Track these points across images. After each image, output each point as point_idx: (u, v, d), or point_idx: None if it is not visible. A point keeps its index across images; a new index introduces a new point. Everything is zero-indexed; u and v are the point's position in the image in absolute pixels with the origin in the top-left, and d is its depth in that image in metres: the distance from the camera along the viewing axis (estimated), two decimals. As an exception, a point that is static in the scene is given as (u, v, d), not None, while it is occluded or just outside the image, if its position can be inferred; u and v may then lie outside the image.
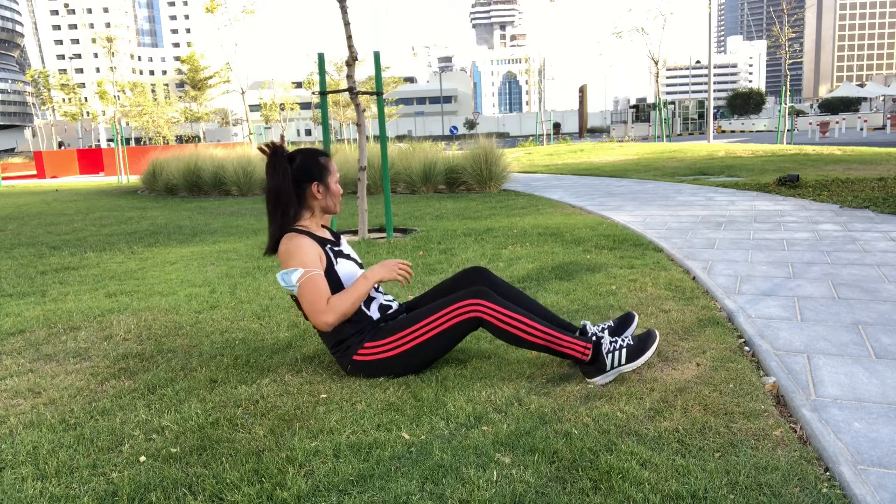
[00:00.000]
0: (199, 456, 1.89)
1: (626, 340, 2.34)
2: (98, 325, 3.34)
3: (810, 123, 32.46)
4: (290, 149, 2.64)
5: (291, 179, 2.49)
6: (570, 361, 2.47)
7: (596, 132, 56.88)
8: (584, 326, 2.61)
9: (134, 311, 3.60)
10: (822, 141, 24.07)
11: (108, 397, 2.36)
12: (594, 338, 2.40)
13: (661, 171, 11.40)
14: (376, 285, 2.59)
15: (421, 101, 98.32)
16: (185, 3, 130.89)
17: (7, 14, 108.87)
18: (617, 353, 2.31)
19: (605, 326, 2.62)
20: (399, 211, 7.77)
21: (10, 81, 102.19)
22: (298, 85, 50.29)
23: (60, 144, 51.41)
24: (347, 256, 2.59)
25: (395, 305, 2.61)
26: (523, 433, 1.94)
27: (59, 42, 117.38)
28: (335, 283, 2.47)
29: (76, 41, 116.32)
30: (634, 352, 2.31)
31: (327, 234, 2.63)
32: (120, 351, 2.90)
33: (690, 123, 40.20)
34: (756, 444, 1.85)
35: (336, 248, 2.56)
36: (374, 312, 2.52)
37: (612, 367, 2.30)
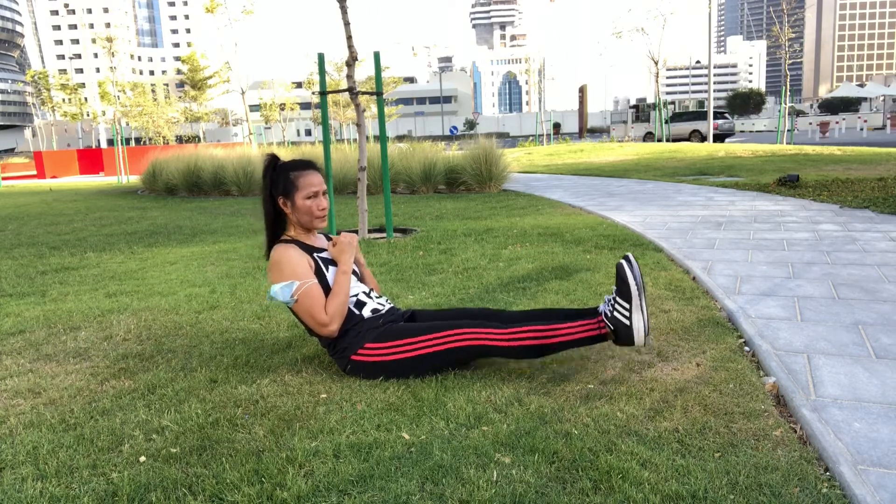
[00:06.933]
0: (199, 456, 1.89)
1: (614, 290, 2.31)
2: (98, 325, 3.34)
3: (810, 123, 32.48)
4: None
5: (268, 192, 2.55)
6: (611, 342, 2.37)
7: (596, 132, 56.88)
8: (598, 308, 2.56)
9: (134, 311, 3.60)
10: (822, 141, 24.08)
11: (108, 397, 2.36)
12: (605, 312, 2.32)
13: (661, 171, 11.40)
14: (367, 290, 2.61)
15: (421, 101, 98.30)
16: (185, 3, 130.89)
17: (7, 14, 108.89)
18: (617, 307, 2.26)
19: (612, 296, 2.37)
20: (399, 211, 7.77)
21: (10, 81, 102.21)
22: (298, 85, 50.27)
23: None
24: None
25: (385, 308, 2.60)
26: (523, 433, 1.94)
27: (59, 42, 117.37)
28: (327, 291, 2.49)
29: (76, 41, 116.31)
30: (623, 291, 2.25)
31: (318, 243, 2.64)
32: (120, 351, 2.90)
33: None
34: (756, 444, 1.85)
35: (324, 256, 2.56)
36: (366, 312, 2.53)
37: (628, 319, 2.23)
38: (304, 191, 2.50)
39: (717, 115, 28.34)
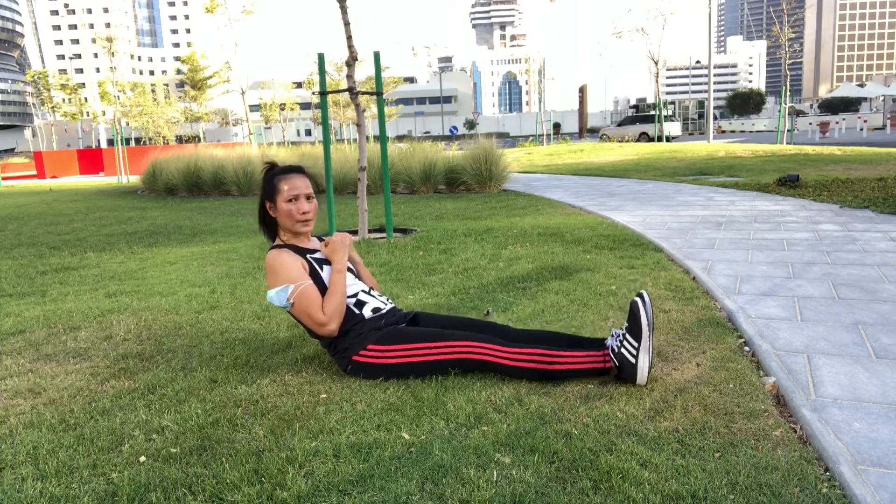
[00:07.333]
0: (199, 456, 1.89)
1: (625, 326, 2.30)
2: (98, 325, 3.34)
3: (810, 123, 32.51)
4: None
5: (260, 197, 2.60)
6: (612, 376, 2.36)
7: (596, 132, 56.82)
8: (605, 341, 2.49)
9: (134, 311, 3.60)
10: (822, 141, 24.09)
11: (108, 397, 2.36)
12: (612, 347, 2.32)
13: (661, 172, 11.40)
14: (367, 288, 2.61)
15: (421, 101, 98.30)
16: (185, 3, 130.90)
17: (7, 14, 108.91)
18: (625, 343, 2.26)
19: (621, 332, 2.35)
20: (399, 211, 7.77)
21: (10, 81, 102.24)
22: (298, 85, 50.27)
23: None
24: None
25: (386, 308, 2.60)
26: (523, 433, 1.94)
27: (59, 42, 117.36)
28: (323, 290, 2.49)
29: (76, 41, 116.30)
30: (634, 329, 2.24)
31: (311, 245, 2.64)
32: (120, 351, 2.90)
33: (690, 123, 40.25)
34: (756, 444, 1.85)
35: (317, 257, 2.57)
36: (367, 312, 2.52)
37: (634, 357, 2.22)
38: (285, 194, 2.51)
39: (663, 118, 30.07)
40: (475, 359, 2.35)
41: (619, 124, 31.67)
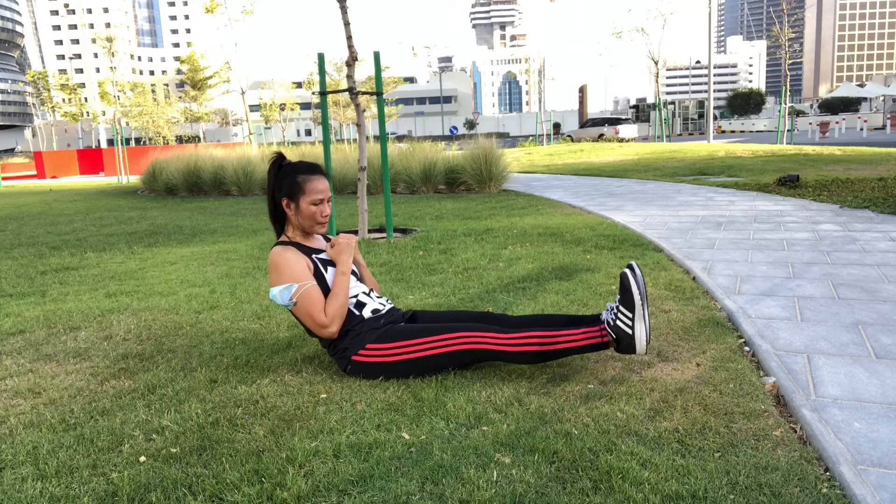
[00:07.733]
0: (199, 456, 1.89)
1: (617, 298, 2.31)
2: (98, 325, 3.34)
3: (810, 123, 32.52)
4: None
5: (272, 191, 2.56)
6: (613, 350, 2.38)
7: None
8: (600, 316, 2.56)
9: (134, 311, 3.60)
10: (822, 141, 24.09)
11: (108, 397, 2.36)
12: (608, 320, 2.32)
13: (661, 172, 11.40)
14: (367, 290, 2.61)
15: (421, 101, 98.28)
16: (185, 3, 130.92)
17: (7, 14, 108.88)
18: (620, 315, 2.26)
19: (615, 304, 2.36)
20: (399, 211, 7.77)
21: (10, 81, 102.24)
22: (298, 85, 50.28)
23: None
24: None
25: (385, 308, 2.60)
26: (523, 433, 1.94)
27: (59, 42, 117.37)
28: (326, 292, 2.49)
29: (76, 41, 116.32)
30: (627, 300, 2.25)
31: (317, 244, 2.63)
32: (120, 351, 2.90)
33: (690, 123, 40.29)
34: (756, 444, 1.85)
35: (322, 258, 2.56)
36: (366, 313, 2.53)
37: (630, 328, 2.23)
38: (311, 196, 2.50)
39: (620, 121, 33.44)
40: (474, 349, 2.35)
41: (581, 126, 35.42)
